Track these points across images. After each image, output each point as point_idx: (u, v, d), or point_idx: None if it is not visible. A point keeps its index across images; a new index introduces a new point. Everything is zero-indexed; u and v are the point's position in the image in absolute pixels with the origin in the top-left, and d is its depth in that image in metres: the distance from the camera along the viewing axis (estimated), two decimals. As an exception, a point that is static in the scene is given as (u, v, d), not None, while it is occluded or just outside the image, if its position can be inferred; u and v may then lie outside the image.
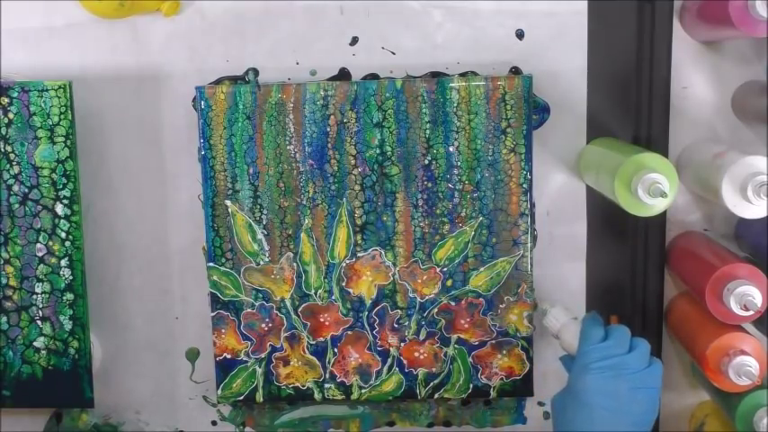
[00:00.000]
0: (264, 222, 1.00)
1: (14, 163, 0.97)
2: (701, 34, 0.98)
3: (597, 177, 0.95)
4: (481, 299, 1.01)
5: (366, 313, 1.02)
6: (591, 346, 0.87)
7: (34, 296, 0.99)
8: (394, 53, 1.00)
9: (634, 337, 0.89)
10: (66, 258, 0.99)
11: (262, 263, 1.01)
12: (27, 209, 0.98)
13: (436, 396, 1.04)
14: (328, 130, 0.99)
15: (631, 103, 1.00)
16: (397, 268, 1.01)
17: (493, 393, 1.04)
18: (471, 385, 1.03)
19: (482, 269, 1.01)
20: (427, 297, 1.01)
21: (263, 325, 1.02)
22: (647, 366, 0.86)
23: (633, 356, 0.86)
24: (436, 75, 1.00)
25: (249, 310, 1.02)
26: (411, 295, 1.01)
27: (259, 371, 1.03)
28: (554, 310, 0.97)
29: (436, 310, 1.02)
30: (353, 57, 1.00)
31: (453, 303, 1.02)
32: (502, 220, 1.00)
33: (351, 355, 1.03)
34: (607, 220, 1.02)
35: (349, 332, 1.02)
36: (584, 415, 0.85)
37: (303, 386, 1.04)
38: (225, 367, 1.03)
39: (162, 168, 1.03)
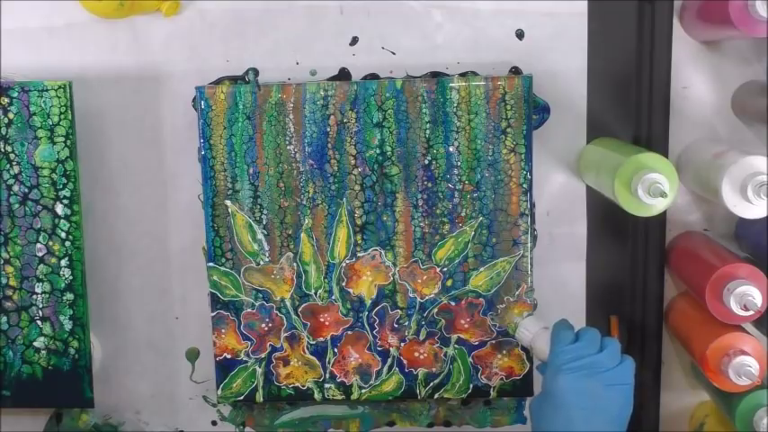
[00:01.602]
0: (264, 222, 1.00)
1: (14, 163, 0.97)
2: (701, 34, 0.98)
3: (597, 177, 0.95)
4: (481, 299, 1.01)
5: (366, 313, 1.02)
6: (562, 347, 0.88)
7: (34, 296, 0.99)
8: (394, 53, 1.00)
9: (604, 337, 0.89)
10: (66, 258, 0.99)
11: (262, 263, 1.01)
12: (27, 209, 0.98)
13: (436, 396, 1.04)
14: (328, 130, 0.99)
15: (631, 103, 1.00)
16: (397, 268, 1.01)
17: (493, 393, 1.04)
18: (471, 385, 1.03)
19: (482, 269, 1.01)
20: (427, 297, 1.01)
21: (263, 325, 1.02)
22: (619, 363, 0.87)
23: (604, 355, 0.87)
24: (436, 75, 1.00)
25: (249, 310, 1.02)
26: (411, 295, 1.01)
27: (259, 371, 1.03)
28: (524, 322, 0.97)
29: (436, 310, 1.02)
30: (353, 57, 1.00)
31: (453, 303, 1.02)
32: (502, 220, 1.00)
33: (351, 355, 1.03)
34: (607, 220, 1.02)
35: (349, 332, 1.02)
36: (562, 416, 0.85)
37: (303, 386, 1.04)
38: (225, 367, 1.03)
39: (162, 168, 1.03)
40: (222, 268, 1.01)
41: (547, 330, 0.94)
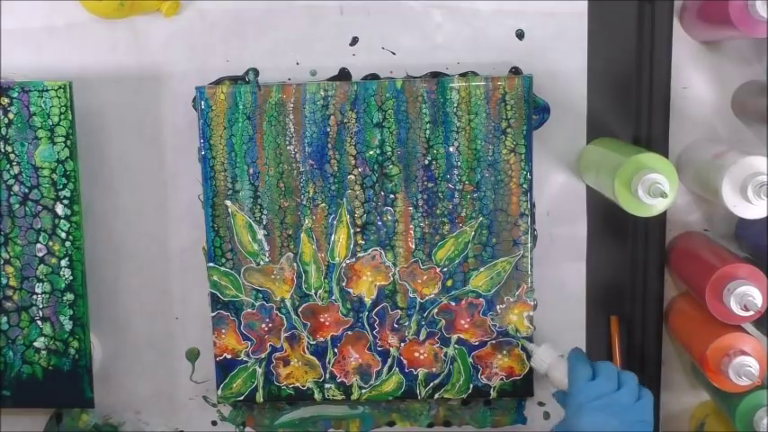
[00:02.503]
0: (264, 222, 1.00)
1: (14, 163, 0.97)
2: (701, 34, 0.98)
3: (597, 177, 0.95)
4: (481, 299, 1.01)
5: (366, 313, 1.02)
6: (581, 384, 0.90)
7: (34, 296, 0.99)
8: (394, 53, 1.00)
9: (621, 372, 0.91)
10: (67, 258, 0.99)
11: (262, 263, 1.01)
12: (27, 209, 0.98)
13: (436, 396, 1.04)
14: (328, 130, 0.99)
15: (631, 103, 1.00)
16: (397, 268, 1.01)
17: (493, 393, 1.04)
18: (471, 385, 1.03)
19: (482, 269, 1.01)
20: (427, 297, 1.01)
21: (263, 325, 1.02)
22: (637, 400, 0.89)
23: (623, 393, 0.89)
24: (436, 75, 1.00)
25: (249, 310, 1.02)
26: (411, 295, 1.01)
27: (259, 371, 1.03)
28: (540, 350, 0.98)
29: (436, 310, 1.02)
30: (353, 57, 1.00)
31: (453, 303, 1.02)
32: (502, 221, 1.00)
33: (351, 355, 1.03)
34: (607, 220, 1.02)
35: (349, 332, 1.02)
36: None
37: (303, 386, 1.04)
38: (225, 367, 1.03)
39: (162, 168, 1.03)
40: (222, 268, 1.01)
41: (563, 360, 0.96)
